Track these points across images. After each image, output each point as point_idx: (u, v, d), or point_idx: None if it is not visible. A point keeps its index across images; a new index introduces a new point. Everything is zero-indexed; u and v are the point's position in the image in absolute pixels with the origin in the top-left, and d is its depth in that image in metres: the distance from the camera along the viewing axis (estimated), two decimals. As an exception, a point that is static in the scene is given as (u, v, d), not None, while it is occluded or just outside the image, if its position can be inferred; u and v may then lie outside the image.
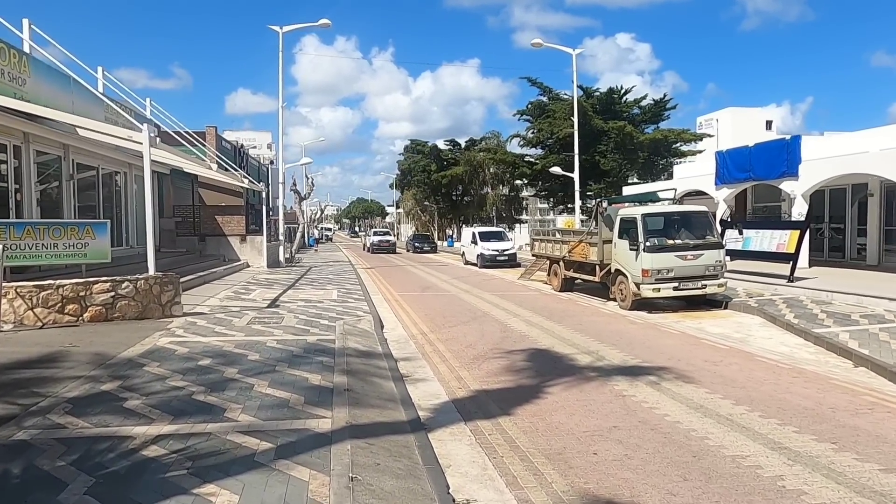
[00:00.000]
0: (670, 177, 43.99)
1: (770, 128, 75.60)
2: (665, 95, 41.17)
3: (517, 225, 57.48)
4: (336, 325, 9.67)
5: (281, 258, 24.11)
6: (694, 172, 26.36)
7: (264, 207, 22.63)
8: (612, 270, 13.99)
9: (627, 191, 27.33)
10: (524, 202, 55.85)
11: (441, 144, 53.68)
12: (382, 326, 10.38)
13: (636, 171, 41.33)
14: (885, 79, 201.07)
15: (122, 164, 18.80)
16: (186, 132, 18.82)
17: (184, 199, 22.50)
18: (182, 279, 14.79)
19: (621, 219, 13.82)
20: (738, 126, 62.61)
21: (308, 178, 30.94)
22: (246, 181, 18.92)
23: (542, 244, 18.60)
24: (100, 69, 16.82)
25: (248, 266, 22.63)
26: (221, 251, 22.70)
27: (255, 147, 50.61)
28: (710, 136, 41.68)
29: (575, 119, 26.11)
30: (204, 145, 20.50)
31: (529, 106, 43.00)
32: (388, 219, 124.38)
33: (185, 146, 18.50)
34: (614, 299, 14.15)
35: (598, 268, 14.70)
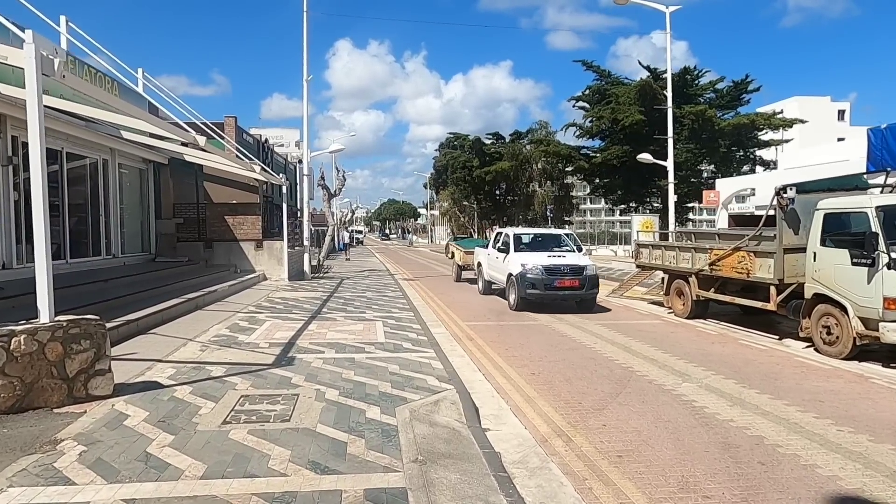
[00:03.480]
0: (752, 170, 38.32)
1: (842, 118, 68.93)
2: (747, 76, 35.45)
3: (564, 227, 52.24)
4: (396, 421, 4.95)
5: (306, 267, 19.63)
6: (820, 159, 20.99)
7: (285, 205, 18.17)
8: (810, 295, 9.00)
9: (747, 181, 21.98)
10: (574, 202, 50.57)
11: (483, 138, 48.69)
12: (477, 411, 5.62)
13: (714, 162, 35.83)
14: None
15: (101, 149, 14.52)
16: (203, 123, 14.32)
17: (187, 195, 18.21)
18: (160, 306, 10.26)
19: (827, 215, 8.83)
20: (805, 117, 56.30)
21: (339, 171, 26.51)
22: (257, 168, 14.43)
23: (657, 252, 13.64)
24: (63, 19, 12.47)
25: (265, 279, 18.18)
26: (232, 260, 18.31)
27: (282, 145, 46.56)
28: (802, 121, 35.85)
29: (669, 93, 21.02)
30: (222, 137, 16.21)
31: (587, 91, 37.88)
32: (419, 220, 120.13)
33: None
34: (805, 339, 9.22)
35: (773, 289, 9.73)
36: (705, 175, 36.98)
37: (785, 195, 9.42)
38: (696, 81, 36.78)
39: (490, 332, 10.52)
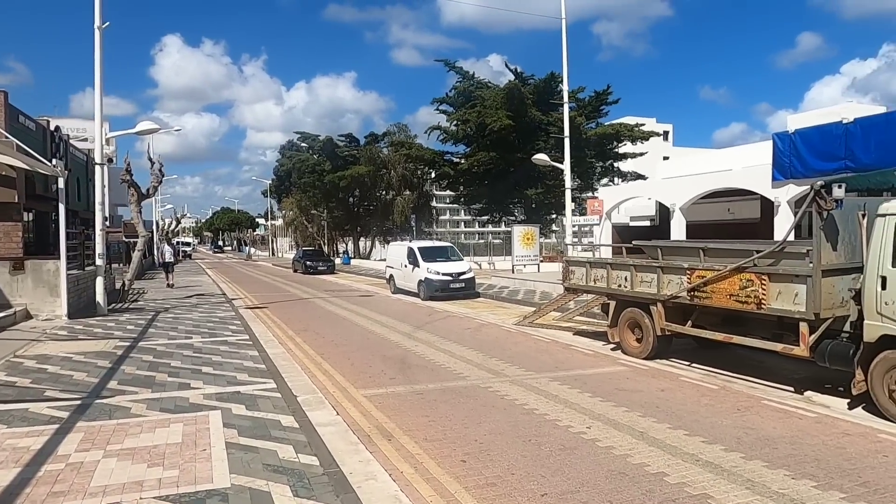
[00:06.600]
0: (611, 181, 38.56)
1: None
2: (608, 88, 35.42)
3: (426, 238, 49.22)
4: None
5: (99, 297, 13.65)
6: (713, 166, 19.99)
7: (62, 206, 12.21)
8: (875, 338, 6.31)
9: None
10: (434, 211, 47.85)
11: (335, 139, 43.80)
12: None
13: (578, 173, 35.14)
14: (709, 110, 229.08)
15: None
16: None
17: None
18: None
19: (908, 223, 6.19)
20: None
21: (153, 164, 20.08)
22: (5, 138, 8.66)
23: (598, 272, 10.57)
24: None
25: (28, 318, 12.07)
26: (-30, 290, 11.91)
27: (86, 139, 37.49)
28: (657, 134, 36.74)
29: (565, 87, 18.80)
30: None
31: (452, 92, 35.24)
32: (258, 231, 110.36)
33: None
34: (856, 398, 6.57)
35: (805, 327, 6.97)
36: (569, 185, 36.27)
37: (830, 196, 6.67)
38: (559, 88, 36.04)
39: (411, 410, 6.44)
